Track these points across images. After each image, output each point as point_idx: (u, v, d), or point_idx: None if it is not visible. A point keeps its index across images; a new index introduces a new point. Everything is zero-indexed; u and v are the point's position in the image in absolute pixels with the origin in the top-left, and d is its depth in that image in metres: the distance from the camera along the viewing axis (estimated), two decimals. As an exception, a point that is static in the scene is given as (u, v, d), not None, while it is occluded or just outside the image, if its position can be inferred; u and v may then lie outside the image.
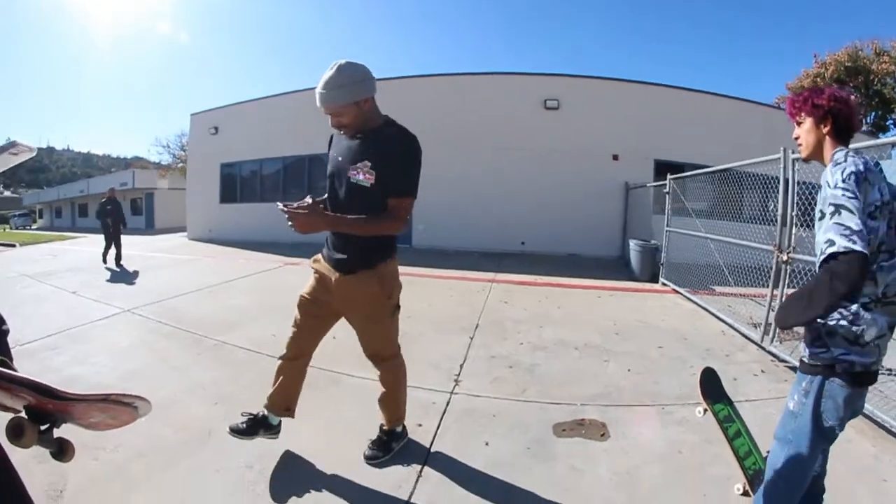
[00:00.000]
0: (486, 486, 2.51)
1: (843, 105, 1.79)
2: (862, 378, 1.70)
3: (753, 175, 6.15)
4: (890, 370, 4.65)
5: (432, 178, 12.05)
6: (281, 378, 2.57)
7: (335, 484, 2.46)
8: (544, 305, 6.59)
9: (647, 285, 8.62)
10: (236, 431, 2.56)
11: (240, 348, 4.30)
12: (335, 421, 3.11)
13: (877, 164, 1.72)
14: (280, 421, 2.65)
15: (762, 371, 4.30)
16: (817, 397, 1.74)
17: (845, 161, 1.66)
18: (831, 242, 1.52)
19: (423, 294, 6.75)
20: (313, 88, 2.12)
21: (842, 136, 1.80)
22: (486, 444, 2.93)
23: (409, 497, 2.38)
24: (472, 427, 3.12)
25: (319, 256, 2.52)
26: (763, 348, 4.88)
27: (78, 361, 4.06)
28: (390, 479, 2.52)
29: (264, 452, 2.64)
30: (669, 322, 6.01)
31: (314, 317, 2.53)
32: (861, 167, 1.62)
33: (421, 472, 2.61)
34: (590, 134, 12.39)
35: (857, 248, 1.47)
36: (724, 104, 13.23)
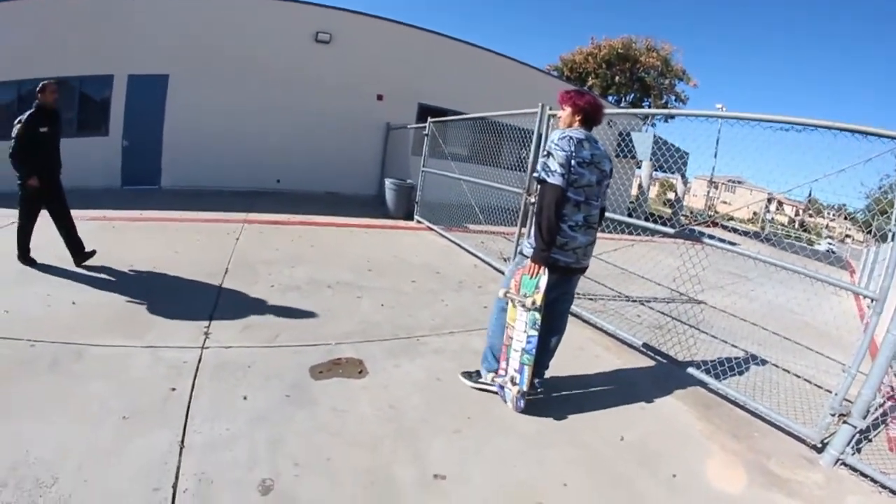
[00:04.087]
0: (254, 445, 2.32)
1: (593, 108, 2.81)
2: (563, 270, 2.78)
3: (512, 127, 6.86)
4: (629, 297, 5.85)
5: (181, 110, 10.36)
6: None
7: (90, 479, 2.03)
8: (297, 245, 6.31)
9: (402, 223, 9.00)
10: None
11: None
12: (84, 405, 2.50)
13: (596, 140, 2.81)
14: None
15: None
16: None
17: (569, 130, 2.72)
18: (538, 171, 2.69)
19: (171, 241, 5.91)
20: None
21: (586, 124, 2.83)
22: (245, 398, 2.70)
23: (175, 485, 2.05)
24: (228, 382, 2.85)
25: None
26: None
27: None
28: (152, 461, 2.15)
29: (17, 462, 2.05)
30: (423, 257, 6.34)
31: None
32: (580, 136, 2.70)
33: (182, 442, 2.28)
34: (358, 72, 12.03)
35: (552, 181, 2.60)
36: (494, 60, 14.25)
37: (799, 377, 4.30)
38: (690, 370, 3.71)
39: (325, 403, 2.72)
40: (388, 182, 9.82)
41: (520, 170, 6.28)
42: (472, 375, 3.15)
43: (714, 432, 3.04)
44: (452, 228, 7.83)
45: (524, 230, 5.40)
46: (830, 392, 3.03)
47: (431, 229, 8.28)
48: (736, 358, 4.16)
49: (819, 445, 3.00)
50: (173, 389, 2.69)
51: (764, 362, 4.39)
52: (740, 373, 3.83)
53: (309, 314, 3.98)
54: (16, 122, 4.39)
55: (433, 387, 3.05)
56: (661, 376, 3.74)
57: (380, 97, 12.58)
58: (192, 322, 3.59)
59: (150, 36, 9.91)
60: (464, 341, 3.82)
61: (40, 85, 4.47)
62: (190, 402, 2.61)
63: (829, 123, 2.99)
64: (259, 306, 4.04)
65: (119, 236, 5.86)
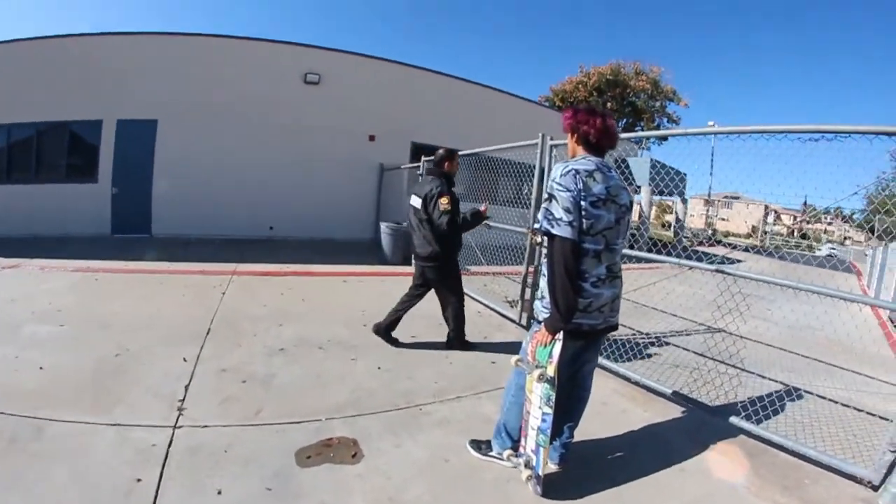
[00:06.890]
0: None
1: (584, 124, 2.32)
2: (586, 335, 2.36)
3: (509, 162, 6.67)
4: (648, 334, 5.50)
5: (170, 156, 10.24)
6: None
7: None
8: (287, 298, 6.00)
9: (400, 268, 8.67)
10: None
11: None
12: (39, 495, 2.22)
13: (610, 168, 2.32)
14: None
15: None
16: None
17: (573, 163, 2.24)
18: (539, 221, 2.26)
19: (154, 295, 5.65)
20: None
21: (588, 147, 2.34)
22: (219, 492, 2.35)
23: None
24: (201, 472, 2.50)
25: None
26: (521, 325, 5.13)
27: None
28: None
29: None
30: (422, 307, 5.95)
31: None
32: (589, 167, 2.22)
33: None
34: (349, 112, 12.07)
35: (558, 232, 2.14)
36: (488, 94, 14.33)
37: (838, 403, 4.11)
38: (725, 417, 3.44)
39: (314, 497, 2.35)
40: (383, 226, 9.60)
41: (522, 206, 6.04)
42: (482, 447, 2.80)
43: (762, 487, 2.73)
44: (452, 272, 7.52)
45: (531, 269, 5.11)
46: (873, 415, 3.00)
47: (430, 274, 7.96)
48: (769, 393, 3.95)
49: (876, 484, 2.73)
50: (139, 480, 2.36)
51: (799, 392, 4.26)
52: (778, 409, 3.61)
53: (296, 382, 3.63)
54: (431, 194, 4.23)
55: (440, 470, 2.66)
56: (696, 427, 3.40)
57: (371, 138, 12.53)
58: (165, 394, 3.27)
59: (139, 80, 9.97)
60: (472, 408, 3.44)
61: (444, 152, 4.40)
62: (156, 497, 2.27)
63: (862, 129, 2.76)
64: (240, 374, 3.70)
65: (101, 289, 5.59)
